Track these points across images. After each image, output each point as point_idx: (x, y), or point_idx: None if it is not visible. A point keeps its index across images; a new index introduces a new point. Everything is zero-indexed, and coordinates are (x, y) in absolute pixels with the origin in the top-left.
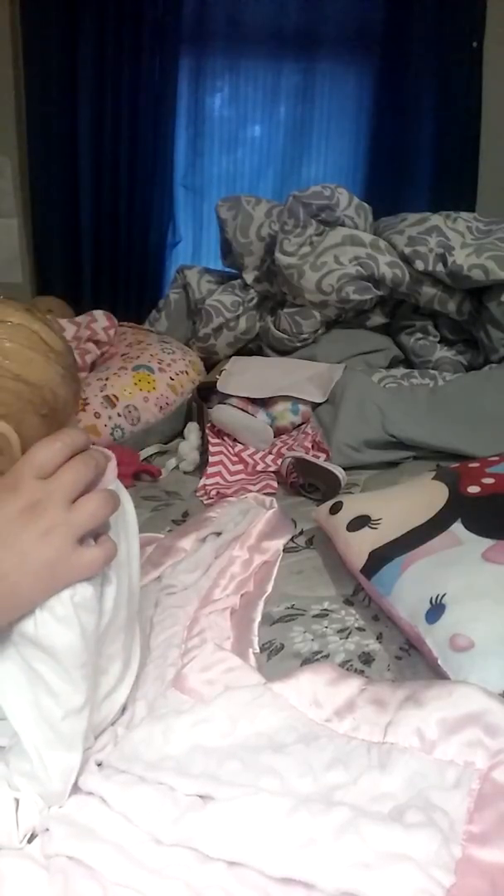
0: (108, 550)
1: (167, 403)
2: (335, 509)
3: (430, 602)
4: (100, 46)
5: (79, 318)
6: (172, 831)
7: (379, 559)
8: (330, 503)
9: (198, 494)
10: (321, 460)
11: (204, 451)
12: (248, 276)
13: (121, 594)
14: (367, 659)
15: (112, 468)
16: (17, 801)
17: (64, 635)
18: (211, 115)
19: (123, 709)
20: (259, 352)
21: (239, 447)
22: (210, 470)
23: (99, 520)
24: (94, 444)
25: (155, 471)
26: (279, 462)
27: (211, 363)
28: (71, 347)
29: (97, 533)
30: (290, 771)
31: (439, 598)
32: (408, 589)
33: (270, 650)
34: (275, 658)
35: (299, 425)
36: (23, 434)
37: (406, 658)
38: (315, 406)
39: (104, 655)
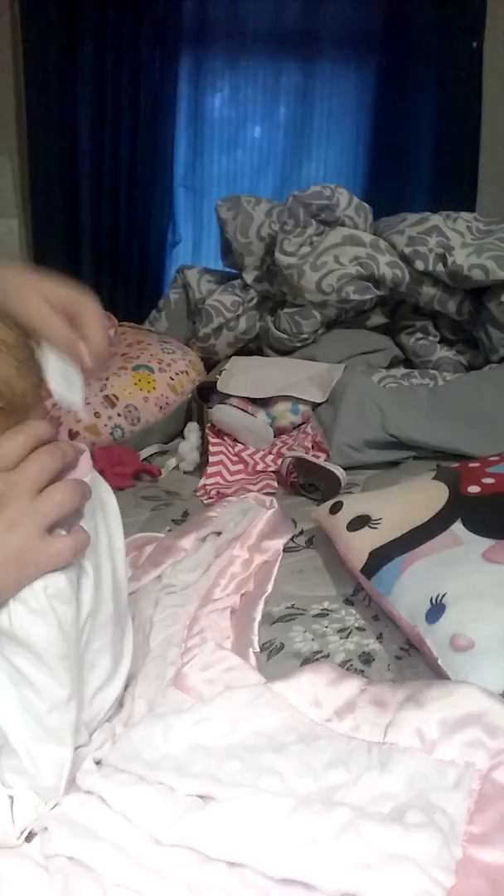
0: (79, 540)
1: (167, 403)
2: (335, 509)
3: (431, 602)
4: (100, 46)
5: None
6: (172, 831)
7: (379, 559)
8: (330, 503)
9: (198, 494)
10: (321, 460)
11: (204, 451)
12: (248, 276)
13: (103, 587)
14: (367, 659)
15: (85, 460)
16: (11, 798)
17: (40, 627)
18: (211, 115)
19: (121, 706)
20: (259, 352)
21: (239, 447)
22: (210, 470)
23: (66, 509)
24: (93, 443)
25: (155, 471)
26: (279, 462)
27: (211, 363)
28: (27, 339)
29: (70, 524)
30: (290, 771)
31: (439, 598)
32: (408, 589)
33: (270, 650)
34: (275, 658)
35: (299, 425)
36: None
37: (406, 658)
38: (315, 406)
39: (91, 650)
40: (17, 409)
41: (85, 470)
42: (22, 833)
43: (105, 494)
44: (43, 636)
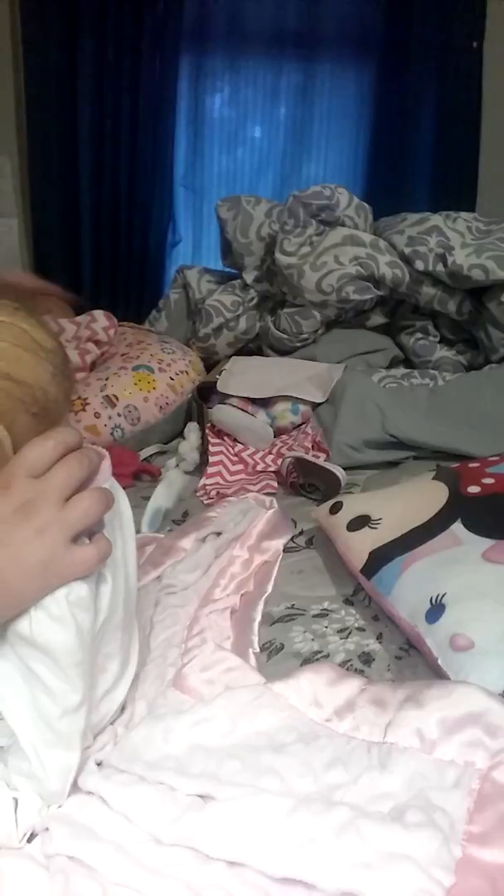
0: (102, 549)
1: (167, 403)
2: (335, 509)
3: (431, 602)
4: (100, 46)
5: (79, 318)
6: (172, 831)
7: (379, 559)
8: (330, 503)
9: (198, 494)
10: (321, 460)
11: (204, 451)
12: (248, 276)
13: (117, 593)
14: (367, 659)
15: (106, 466)
16: (15, 800)
17: (59, 634)
18: (211, 115)
19: (123, 708)
20: (259, 352)
21: (239, 447)
22: (210, 470)
23: (92, 518)
24: (93, 443)
25: (155, 471)
26: (279, 462)
27: (211, 363)
28: (62, 345)
29: (91, 531)
30: (290, 771)
31: (439, 598)
32: (408, 589)
33: (270, 650)
34: (275, 658)
35: (299, 425)
36: (14, 433)
37: (406, 658)
38: (315, 406)
39: (102, 654)
40: (49, 415)
41: (106, 475)
42: (24, 836)
43: (121, 499)
44: (61, 643)
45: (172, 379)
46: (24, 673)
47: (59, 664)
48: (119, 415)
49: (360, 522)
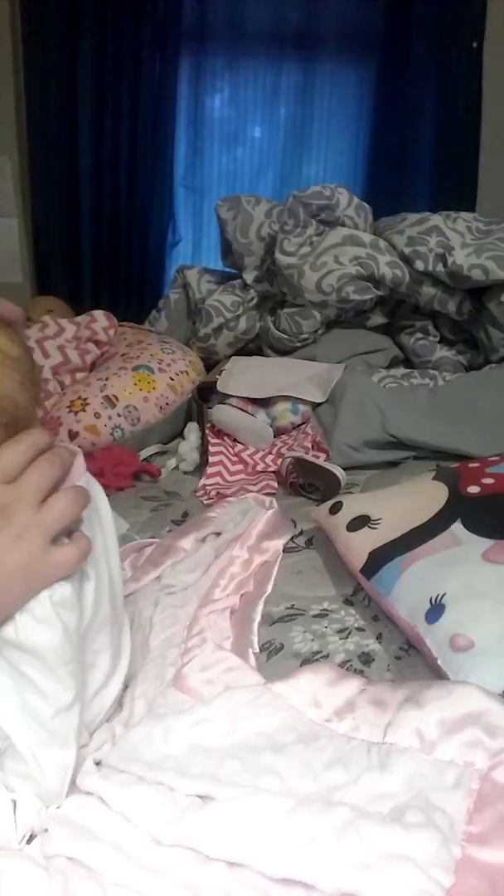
0: (82, 547)
1: (167, 403)
2: (335, 509)
3: (430, 602)
4: (100, 46)
5: (79, 318)
6: (172, 831)
7: (379, 559)
8: (330, 503)
9: (198, 494)
10: (321, 460)
11: (204, 451)
12: (248, 276)
13: (101, 588)
14: (366, 659)
15: (79, 462)
16: (14, 802)
17: (46, 635)
18: (211, 115)
19: (121, 706)
20: (259, 352)
21: (239, 447)
22: (210, 470)
23: (70, 518)
24: (93, 443)
25: (155, 471)
26: (279, 462)
27: (211, 363)
28: (29, 350)
29: (70, 530)
30: (289, 771)
31: (439, 598)
32: (408, 589)
33: (270, 650)
34: (275, 658)
35: (299, 425)
36: None
37: (406, 658)
38: (315, 406)
39: (90, 650)
40: (18, 424)
41: (79, 472)
42: (24, 837)
43: (97, 495)
44: (48, 643)
45: (172, 379)
46: (14, 676)
47: (48, 665)
48: (119, 415)
49: (359, 522)
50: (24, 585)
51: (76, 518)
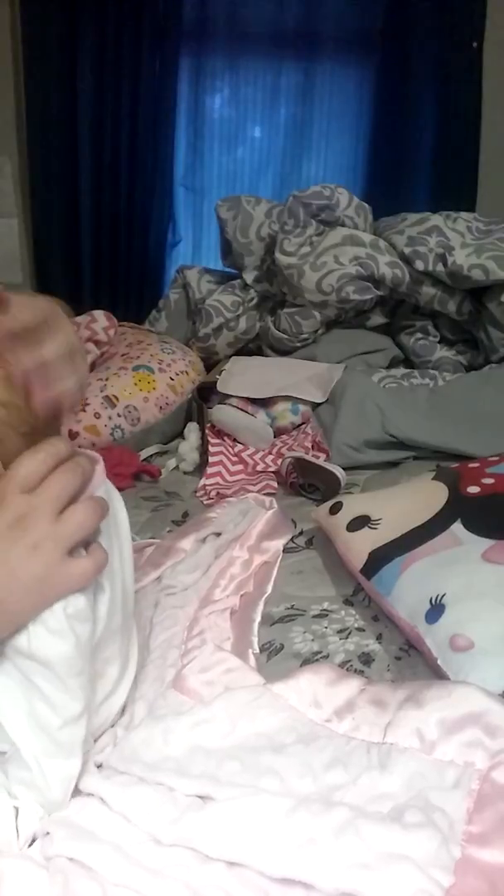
0: (98, 560)
1: (167, 403)
2: (335, 509)
3: (430, 602)
4: (100, 46)
5: (79, 318)
6: (172, 832)
7: (379, 559)
8: (330, 503)
9: (198, 495)
10: (321, 460)
11: (204, 451)
12: (248, 276)
13: (115, 599)
14: (366, 659)
15: (100, 471)
16: (16, 809)
17: (59, 647)
18: (211, 115)
19: (123, 710)
20: (259, 352)
21: (239, 447)
22: (210, 470)
23: (87, 529)
24: (93, 443)
25: (155, 471)
26: (279, 462)
27: (211, 363)
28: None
29: (87, 541)
30: (289, 771)
31: (439, 598)
32: (408, 589)
33: (270, 650)
34: (275, 658)
35: (299, 425)
36: (6, 454)
37: (406, 658)
38: (315, 406)
39: (100, 659)
40: (38, 433)
41: (100, 481)
42: (25, 844)
43: (116, 503)
44: (61, 655)
45: (172, 379)
46: (24, 684)
47: (58, 676)
48: (119, 415)
49: (359, 522)
50: (39, 596)
51: (94, 529)
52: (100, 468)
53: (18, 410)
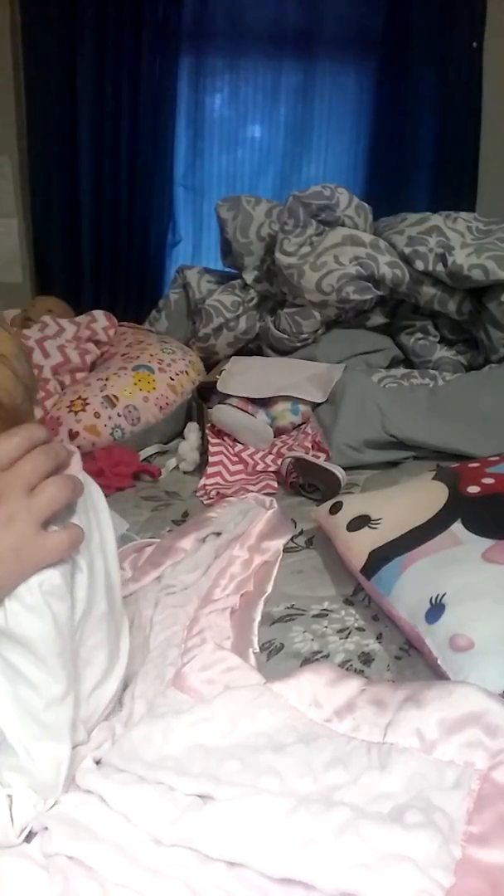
0: (73, 534)
1: (167, 403)
2: (335, 509)
3: (430, 602)
4: (100, 46)
5: (79, 318)
6: (172, 831)
7: (379, 559)
8: (330, 503)
9: (198, 494)
10: (321, 460)
11: (204, 451)
12: (248, 276)
13: (96, 583)
14: (366, 659)
15: (76, 461)
16: (10, 797)
17: (35, 624)
18: (211, 115)
19: (121, 705)
20: (259, 352)
21: (239, 447)
22: (210, 470)
23: (59, 503)
24: (93, 443)
25: (155, 471)
26: (279, 462)
27: (211, 363)
28: (22, 347)
29: (63, 520)
30: (289, 771)
31: (439, 598)
32: (408, 589)
33: (270, 650)
34: (275, 658)
35: (299, 425)
36: None
37: (406, 658)
38: (315, 406)
39: (86, 646)
40: (14, 419)
41: (76, 470)
42: (22, 832)
43: (95, 494)
44: (38, 633)
45: (172, 379)
46: (5, 668)
47: (38, 655)
48: (119, 415)
49: (359, 522)
50: (13, 568)
51: (66, 504)
52: (76, 459)
53: None
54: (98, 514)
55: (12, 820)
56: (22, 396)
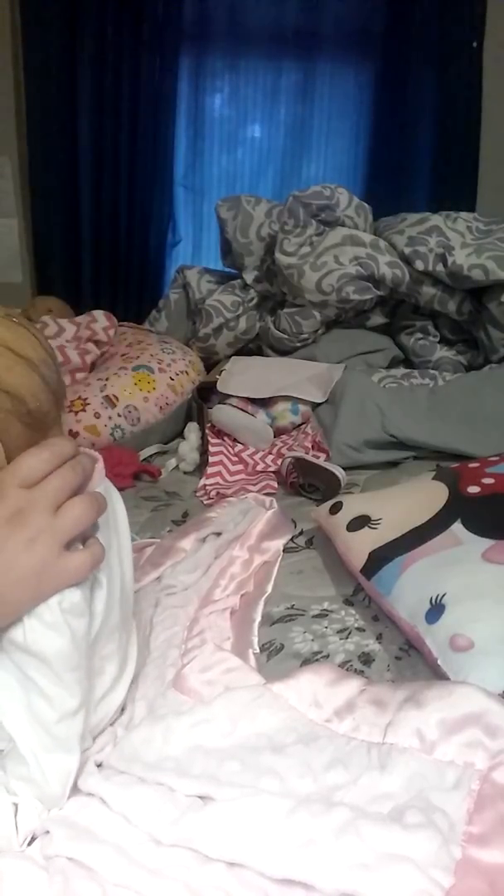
0: (95, 554)
1: (167, 403)
2: (335, 509)
3: (430, 602)
4: (100, 46)
5: (79, 318)
6: (172, 832)
7: (379, 559)
8: (330, 503)
9: (198, 494)
10: (321, 460)
11: (204, 451)
12: (248, 276)
13: (112, 595)
14: (366, 659)
15: (99, 469)
16: (15, 805)
17: (54, 641)
18: (211, 115)
19: (123, 709)
20: (259, 352)
21: (239, 447)
22: (210, 470)
23: (84, 524)
24: (93, 443)
25: (155, 471)
26: (279, 462)
27: (211, 363)
28: (53, 353)
29: (85, 536)
30: (289, 771)
31: (439, 598)
32: (408, 589)
33: (270, 650)
34: (275, 658)
35: (299, 425)
36: (7, 443)
37: (406, 658)
38: (315, 406)
39: (98, 656)
40: (41, 425)
41: (98, 479)
42: (25, 840)
43: (115, 501)
44: (57, 650)
45: (172, 379)
46: (21, 679)
47: (54, 670)
48: (119, 415)
49: (359, 522)
50: (35, 590)
51: (91, 524)
52: (99, 466)
53: (23, 400)
54: (117, 521)
55: (17, 828)
56: (50, 403)
